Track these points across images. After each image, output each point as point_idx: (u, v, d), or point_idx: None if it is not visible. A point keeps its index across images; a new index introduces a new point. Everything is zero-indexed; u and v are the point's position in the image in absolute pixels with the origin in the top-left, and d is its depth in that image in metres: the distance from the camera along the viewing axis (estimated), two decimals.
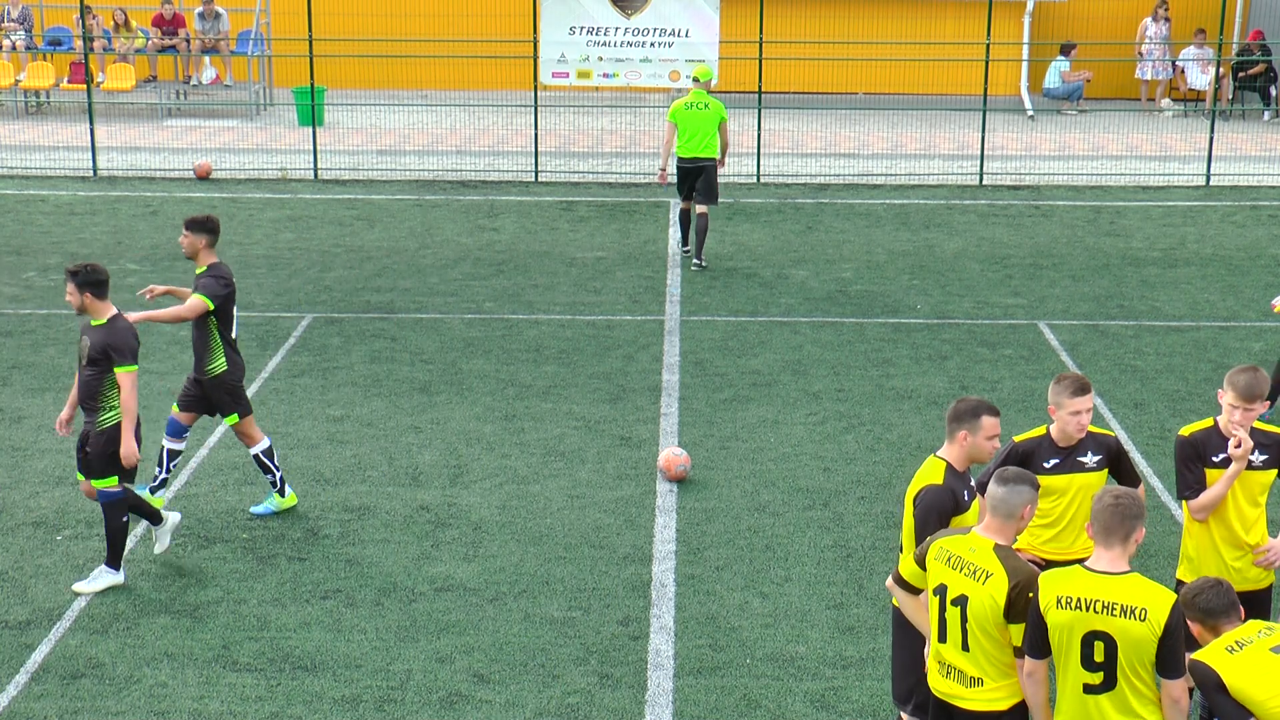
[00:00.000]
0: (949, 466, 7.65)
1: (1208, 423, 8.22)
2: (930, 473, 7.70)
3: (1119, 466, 8.37)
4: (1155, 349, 15.53)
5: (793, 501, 11.83)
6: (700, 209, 18.46)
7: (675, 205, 20.85)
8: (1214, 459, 8.09)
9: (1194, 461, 8.12)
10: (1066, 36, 29.33)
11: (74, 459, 12.49)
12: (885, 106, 27.82)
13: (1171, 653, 6.47)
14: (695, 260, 18.52)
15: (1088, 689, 6.55)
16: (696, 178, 18.44)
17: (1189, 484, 8.14)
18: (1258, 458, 8.12)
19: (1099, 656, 6.50)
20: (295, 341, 15.62)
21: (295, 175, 23.65)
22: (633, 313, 16.72)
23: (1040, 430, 8.37)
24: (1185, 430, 8.24)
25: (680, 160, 18.47)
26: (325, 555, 10.88)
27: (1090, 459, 8.29)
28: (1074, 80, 28.93)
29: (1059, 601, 6.56)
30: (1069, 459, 8.27)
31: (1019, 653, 6.81)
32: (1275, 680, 6.43)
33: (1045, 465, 8.23)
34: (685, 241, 19.07)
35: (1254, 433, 8.12)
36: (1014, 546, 8.08)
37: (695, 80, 18.74)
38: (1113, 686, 6.52)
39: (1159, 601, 6.48)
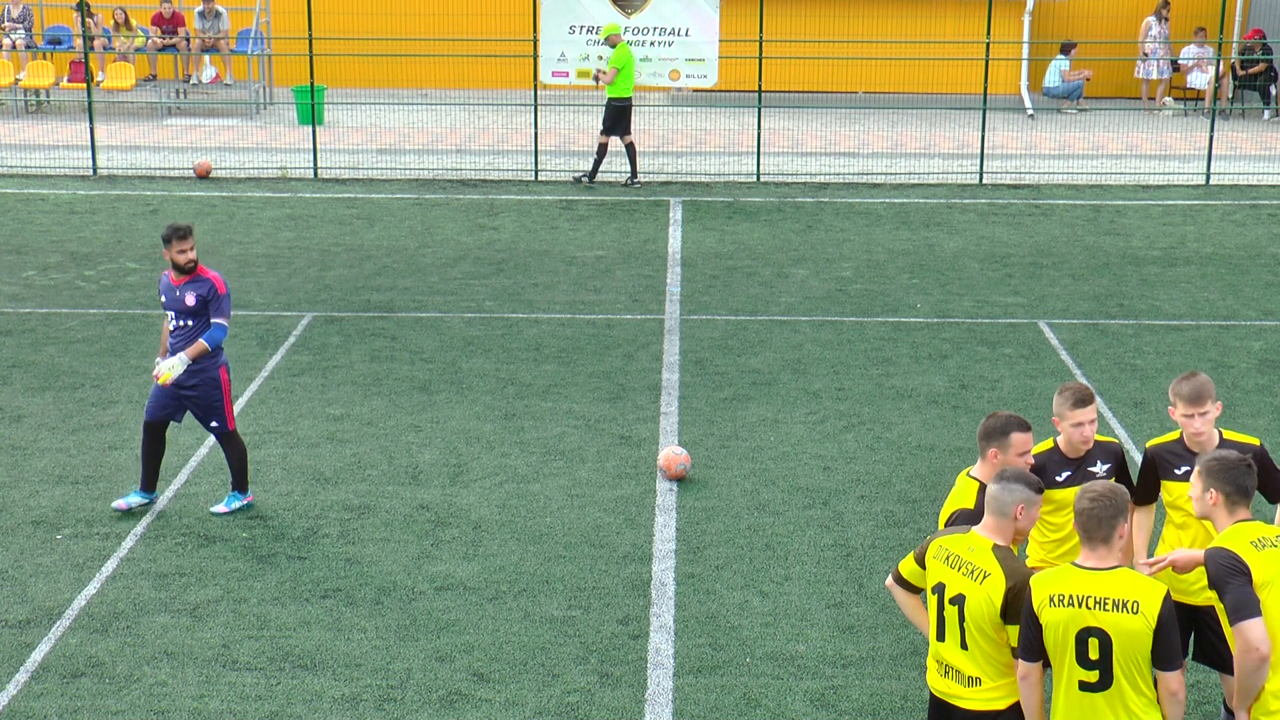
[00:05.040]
0: (981, 487, 7.47)
1: (1175, 435, 8.19)
2: (963, 495, 7.58)
3: (1121, 474, 8.24)
4: (1155, 348, 15.53)
5: (793, 500, 11.83)
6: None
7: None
8: (1175, 472, 8.04)
9: (1147, 478, 8.21)
10: (1066, 35, 29.34)
11: (73, 458, 12.50)
12: (885, 106, 27.83)
13: (1167, 644, 6.49)
14: (634, 179, 22.91)
15: (1084, 687, 6.56)
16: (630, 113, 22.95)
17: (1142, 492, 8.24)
18: None
19: (1094, 654, 6.51)
20: (295, 340, 15.62)
21: (295, 174, 23.65)
22: (632, 312, 16.72)
23: (1048, 443, 8.24)
24: (1151, 442, 8.27)
25: (625, 100, 22.61)
26: (325, 554, 10.88)
27: (1100, 468, 8.15)
28: (1074, 79, 28.93)
29: (1052, 600, 6.56)
30: (1080, 470, 8.13)
31: (1016, 653, 6.81)
32: None
33: (1057, 479, 8.08)
34: (635, 172, 22.86)
35: (1223, 443, 7.99)
36: (1030, 563, 8.06)
37: (611, 36, 22.78)
38: (1109, 684, 6.53)
39: (1151, 594, 6.49)
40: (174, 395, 11.30)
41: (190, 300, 11.17)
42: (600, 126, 23.02)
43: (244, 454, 11.55)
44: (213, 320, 11.20)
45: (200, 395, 11.29)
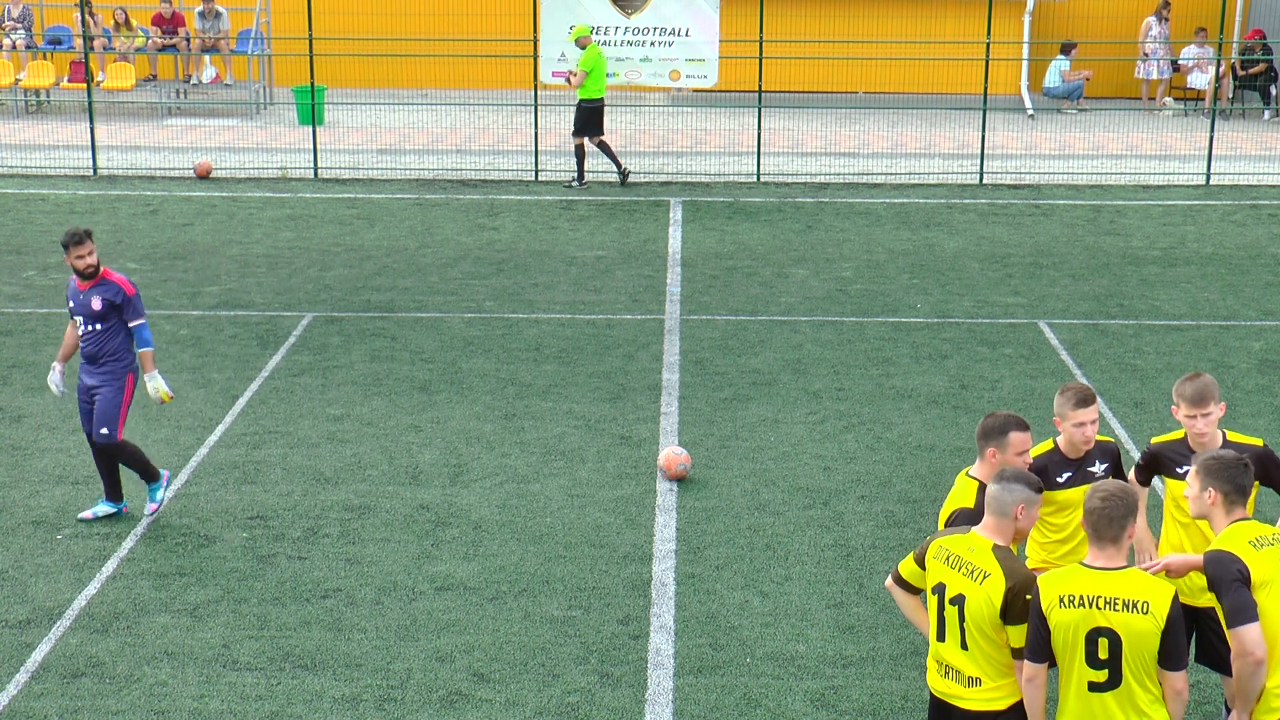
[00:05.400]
0: (981, 487, 7.46)
1: (1179, 434, 8.18)
2: (962, 494, 7.57)
3: (1118, 473, 8.25)
4: (1155, 348, 15.53)
5: (793, 500, 11.83)
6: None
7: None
8: (1177, 471, 8.03)
9: (1145, 470, 8.31)
10: (1066, 35, 29.34)
11: (73, 458, 12.50)
12: (885, 106, 27.83)
13: (1174, 644, 6.50)
14: (625, 172, 23.06)
15: (1093, 687, 6.55)
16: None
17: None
18: None
19: (1103, 654, 6.51)
20: (295, 341, 15.62)
21: (295, 174, 23.65)
22: (632, 312, 16.72)
23: (1048, 444, 8.23)
24: (1155, 439, 8.28)
25: (595, 101, 22.72)
26: (325, 554, 10.88)
27: (1099, 467, 8.16)
28: (1074, 79, 28.93)
29: (1062, 601, 6.56)
30: (1080, 471, 8.13)
31: (1017, 654, 6.81)
32: None
33: (1058, 480, 8.08)
34: (620, 167, 22.96)
35: (1226, 444, 7.98)
36: (1030, 563, 8.06)
37: (581, 38, 22.81)
38: (1118, 684, 6.52)
39: (1160, 594, 6.50)
40: (88, 402, 11.16)
41: (97, 305, 10.98)
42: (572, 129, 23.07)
43: (135, 452, 11.29)
44: (131, 324, 11.06)
45: (103, 398, 11.04)
